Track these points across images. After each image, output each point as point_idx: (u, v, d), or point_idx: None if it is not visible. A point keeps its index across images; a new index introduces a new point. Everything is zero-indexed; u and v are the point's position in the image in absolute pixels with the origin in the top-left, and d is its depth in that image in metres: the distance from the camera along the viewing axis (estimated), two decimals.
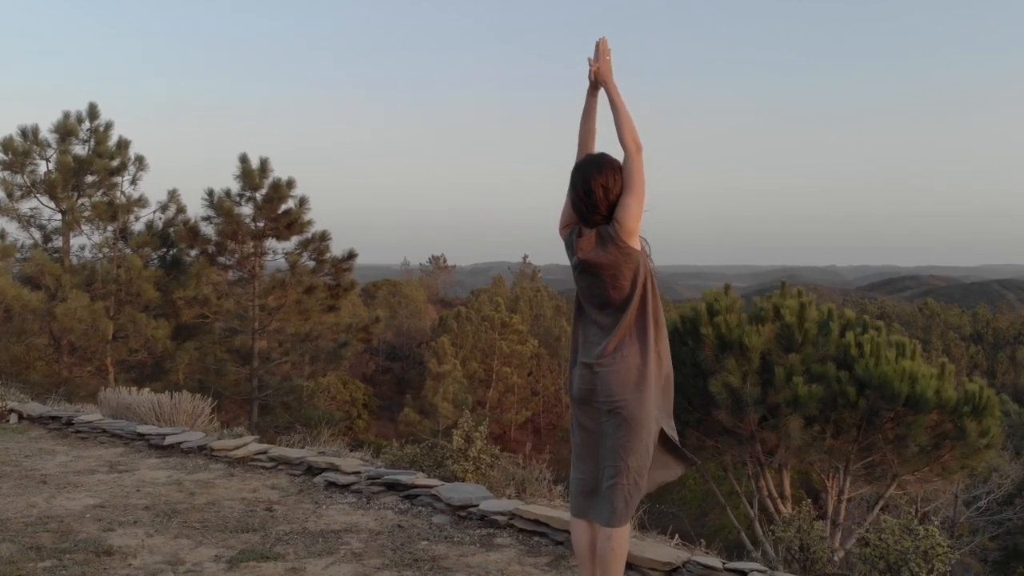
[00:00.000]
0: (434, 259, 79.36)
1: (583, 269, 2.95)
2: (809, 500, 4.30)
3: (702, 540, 5.00)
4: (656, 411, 2.94)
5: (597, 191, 2.88)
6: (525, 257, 74.86)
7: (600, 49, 2.89)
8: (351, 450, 7.61)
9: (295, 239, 16.30)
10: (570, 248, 3.02)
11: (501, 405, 38.35)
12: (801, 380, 8.97)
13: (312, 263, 16.57)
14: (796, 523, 3.80)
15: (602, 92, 2.97)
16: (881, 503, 11.26)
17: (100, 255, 16.12)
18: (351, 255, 17.01)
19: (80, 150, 16.35)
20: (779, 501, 11.00)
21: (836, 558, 11.21)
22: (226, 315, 15.60)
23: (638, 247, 2.88)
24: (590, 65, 2.91)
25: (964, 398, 9.75)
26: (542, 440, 40.87)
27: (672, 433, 3.01)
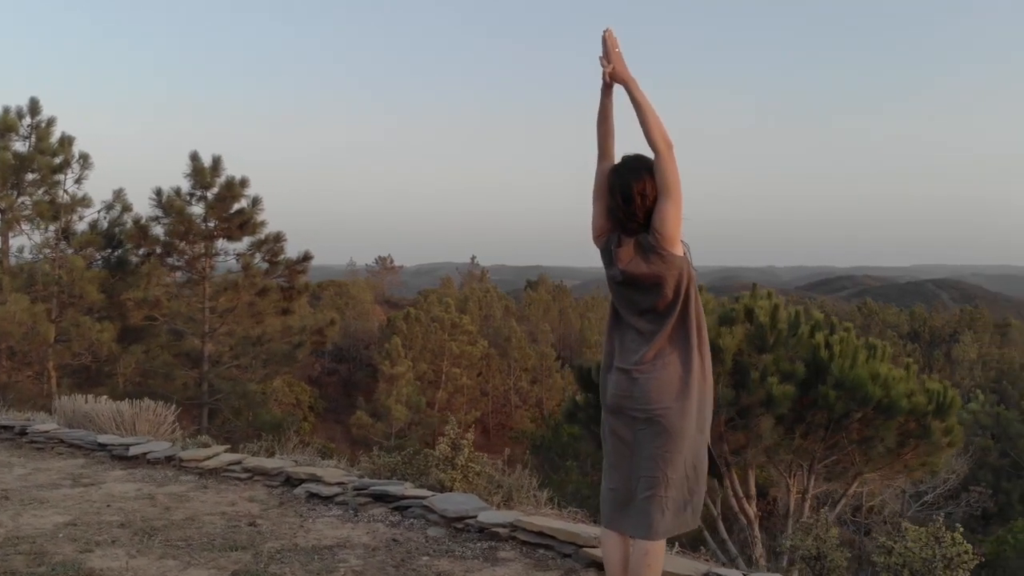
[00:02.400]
0: (381, 259, 78.51)
1: (624, 280, 2.81)
2: (826, 507, 4.23)
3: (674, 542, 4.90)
4: (697, 422, 2.82)
5: (636, 199, 2.74)
6: (473, 258, 74.62)
7: (608, 44, 2.70)
8: (322, 457, 7.36)
9: (247, 240, 15.86)
10: (607, 258, 2.87)
11: (450, 406, 38.04)
12: (776, 380, 9.00)
13: (265, 265, 16.14)
14: (814, 531, 3.72)
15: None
16: (844, 501, 11.40)
17: (41, 256, 15.45)
18: (306, 257, 16.62)
19: (21, 147, 15.65)
20: (744, 500, 11.04)
21: (799, 556, 11.32)
22: (176, 318, 15.07)
23: (680, 253, 2.75)
24: (603, 65, 2.72)
25: (929, 398, 9.91)
26: (491, 441, 40.72)
27: (708, 441, 2.89)
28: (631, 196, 2.74)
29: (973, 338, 51.97)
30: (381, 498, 5.02)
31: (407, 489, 5.01)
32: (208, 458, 5.93)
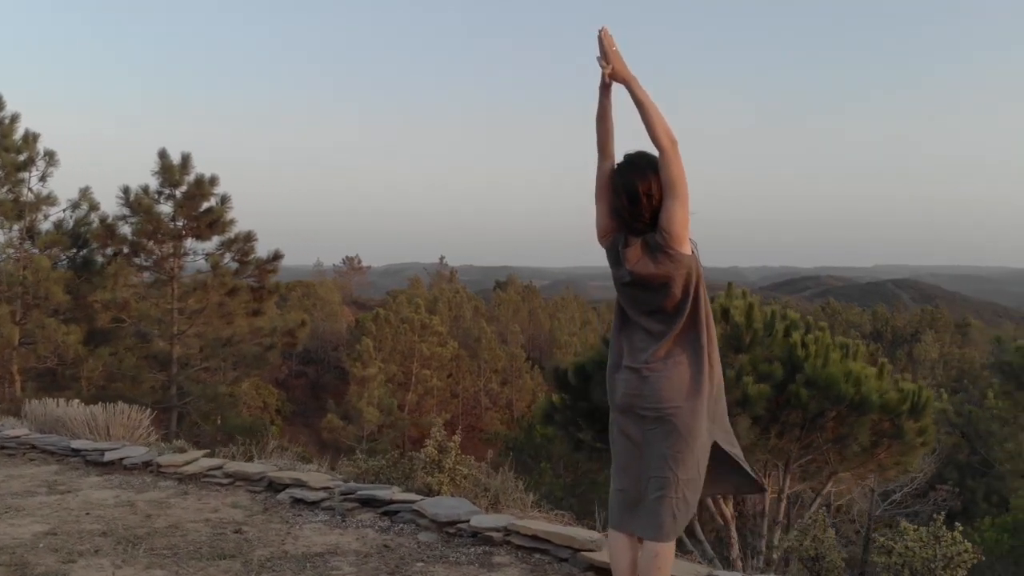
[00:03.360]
0: (348, 260, 77.91)
1: (631, 281, 2.77)
2: (823, 512, 4.22)
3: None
4: (708, 423, 2.79)
5: (643, 199, 2.70)
6: (442, 258, 74.50)
7: (605, 43, 2.65)
8: (302, 462, 7.24)
9: (217, 239, 15.58)
10: (614, 259, 2.83)
11: (420, 408, 37.89)
12: (751, 380, 9.03)
13: (235, 264, 15.87)
14: (812, 531, 3.72)
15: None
16: (819, 500, 11.49)
17: (4, 256, 15.03)
18: (276, 256, 16.37)
19: None
20: (720, 501, 11.07)
21: (775, 556, 11.39)
22: (144, 319, 14.75)
23: (688, 251, 2.71)
24: (602, 66, 2.68)
25: (902, 397, 10.01)
26: (461, 443, 40.58)
27: (730, 448, 2.85)
28: (637, 197, 2.70)
29: (934, 338, 52.90)
30: (369, 503, 4.93)
31: (395, 493, 4.93)
32: (187, 463, 5.79)
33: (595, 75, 2.73)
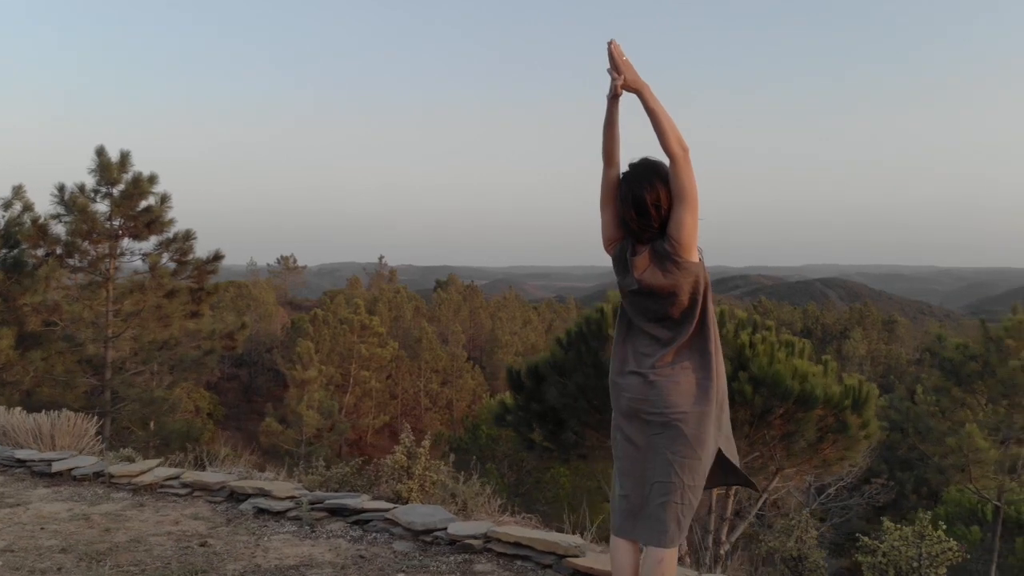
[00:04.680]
0: (283, 259, 76.51)
1: (639, 290, 2.74)
2: (806, 511, 4.26)
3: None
4: (715, 430, 2.77)
5: (651, 210, 2.68)
6: (381, 258, 73.75)
7: (615, 55, 2.63)
8: (258, 470, 7.04)
9: (154, 239, 15.06)
10: (622, 267, 2.80)
11: (358, 410, 37.45)
12: None
13: (173, 265, 15.38)
14: (795, 532, 3.74)
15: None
16: (765, 496, 11.71)
17: None
18: (216, 256, 15.91)
19: None
20: None
21: (723, 551, 11.58)
22: (77, 322, 14.18)
23: (696, 259, 2.70)
24: (613, 77, 2.65)
25: (845, 392, 10.28)
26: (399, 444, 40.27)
27: (732, 456, 2.85)
28: (645, 208, 2.68)
29: (862, 335, 54.68)
30: (338, 512, 4.81)
31: (366, 502, 4.82)
32: (142, 473, 5.57)
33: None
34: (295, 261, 77.22)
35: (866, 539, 3.37)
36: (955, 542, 3.18)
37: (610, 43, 2.63)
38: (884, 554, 3.17)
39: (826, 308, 71.95)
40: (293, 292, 74.77)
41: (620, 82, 2.63)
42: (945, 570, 3.16)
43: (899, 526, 3.42)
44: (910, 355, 51.65)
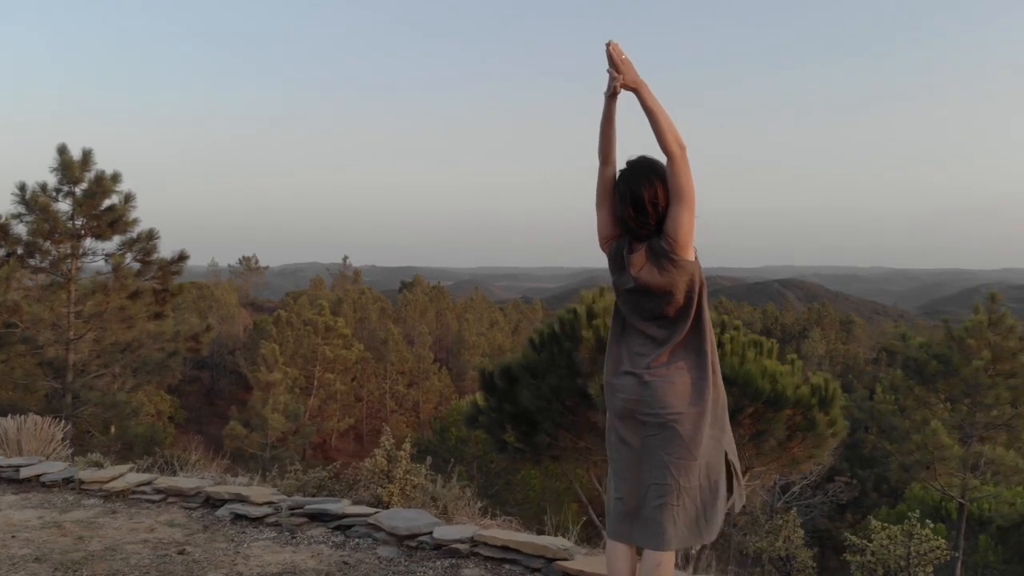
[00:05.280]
0: (245, 259, 75.61)
1: (635, 288, 2.72)
2: (794, 511, 4.28)
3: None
4: (717, 431, 2.76)
5: (648, 208, 2.67)
6: (345, 258, 73.12)
7: (614, 55, 2.62)
8: (231, 475, 6.92)
9: (117, 239, 14.71)
10: (618, 265, 2.78)
11: (322, 413, 37.08)
12: None
13: (137, 265, 15.04)
14: (783, 532, 3.76)
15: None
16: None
17: None
18: (181, 257, 15.59)
19: None
20: None
21: (693, 551, 11.63)
22: (38, 324, 13.80)
23: (692, 258, 2.69)
24: (612, 76, 2.64)
25: (812, 391, 10.38)
26: (364, 448, 39.98)
27: (734, 459, 2.83)
28: (643, 205, 2.67)
29: (821, 334, 55.49)
30: (319, 517, 4.74)
31: (346, 507, 4.75)
32: (113, 479, 5.45)
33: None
34: (257, 261, 76.38)
35: (854, 538, 3.38)
36: (943, 540, 3.21)
37: (609, 44, 2.63)
38: (873, 553, 3.19)
39: (785, 308, 72.98)
40: (255, 293, 73.95)
41: (619, 81, 2.62)
42: (932, 568, 3.19)
43: (885, 525, 3.45)
44: (867, 355, 52.60)
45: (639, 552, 2.79)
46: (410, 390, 41.27)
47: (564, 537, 4.51)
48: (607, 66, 2.63)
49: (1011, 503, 13.12)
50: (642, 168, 2.71)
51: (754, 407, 10.28)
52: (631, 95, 2.67)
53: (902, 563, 3.04)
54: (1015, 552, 13.39)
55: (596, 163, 2.80)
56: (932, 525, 3.32)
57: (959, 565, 11.28)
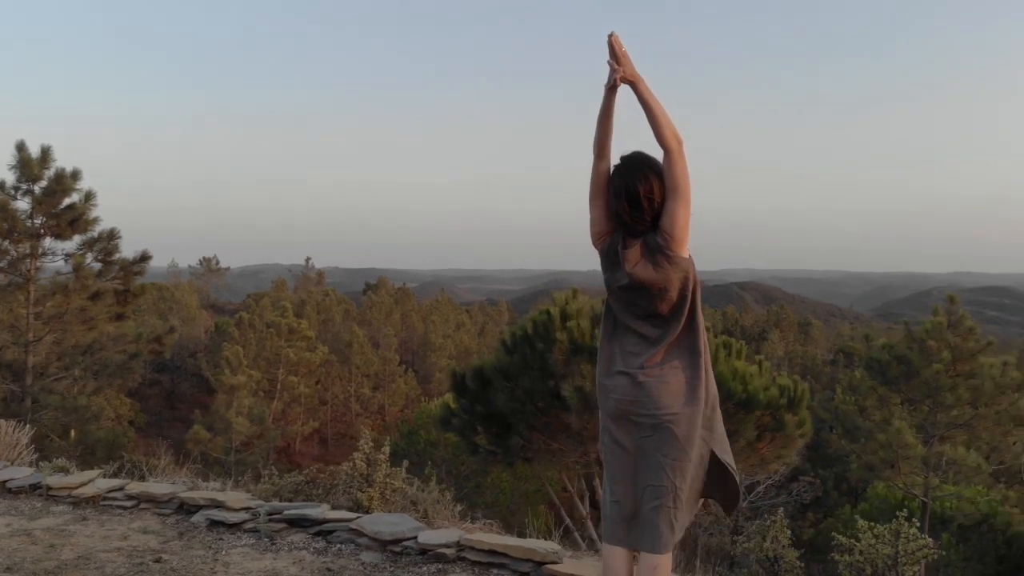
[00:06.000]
0: (205, 260, 74.51)
1: (629, 285, 2.70)
2: (781, 511, 4.29)
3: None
4: (706, 432, 2.75)
5: (644, 203, 2.65)
6: (308, 259, 72.40)
7: (615, 47, 2.61)
8: (203, 479, 6.78)
9: (78, 238, 14.37)
10: (611, 261, 2.75)
11: (286, 417, 36.62)
12: None
13: (98, 265, 14.71)
14: (771, 533, 3.77)
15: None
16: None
17: None
18: (143, 257, 15.28)
19: None
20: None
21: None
22: None
23: (687, 255, 2.68)
24: (613, 68, 2.63)
25: (780, 392, 10.48)
26: (329, 451, 39.59)
27: (726, 457, 2.82)
28: (638, 200, 2.65)
29: (780, 336, 56.23)
30: (298, 523, 4.65)
31: (327, 512, 4.67)
32: (82, 485, 5.30)
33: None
34: (218, 263, 75.32)
35: (842, 538, 3.41)
36: (930, 539, 3.25)
37: (611, 35, 2.61)
38: (861, 552, 3.22)
39: (744, 311, 73.87)
40: (216, 295, 72.93)
41: (620, 74, 2.60)
42: (919, 567, 3.23)
43: (872, 525, 3.48)
44: (824, 356, 53.43)
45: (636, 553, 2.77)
46: (376, 393, 40.95)
47: (545, 539, 4.49)
48: (607, 57, 2.62)
49: (973, 501, 13.40)
50: (637, 163, 2.70)
51: (725, 408, 10.36)
52: (628, 92, 2.67)
53: (889, 562, 3.07)
54: (975, 550, 13.67)
55: (589, 160, 2.77)
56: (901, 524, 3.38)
57: (922, 563, 11.44)
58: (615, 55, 2.60)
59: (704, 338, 2.74)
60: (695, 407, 2.67)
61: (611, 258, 2.75)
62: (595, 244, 2.82)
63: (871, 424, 13.58)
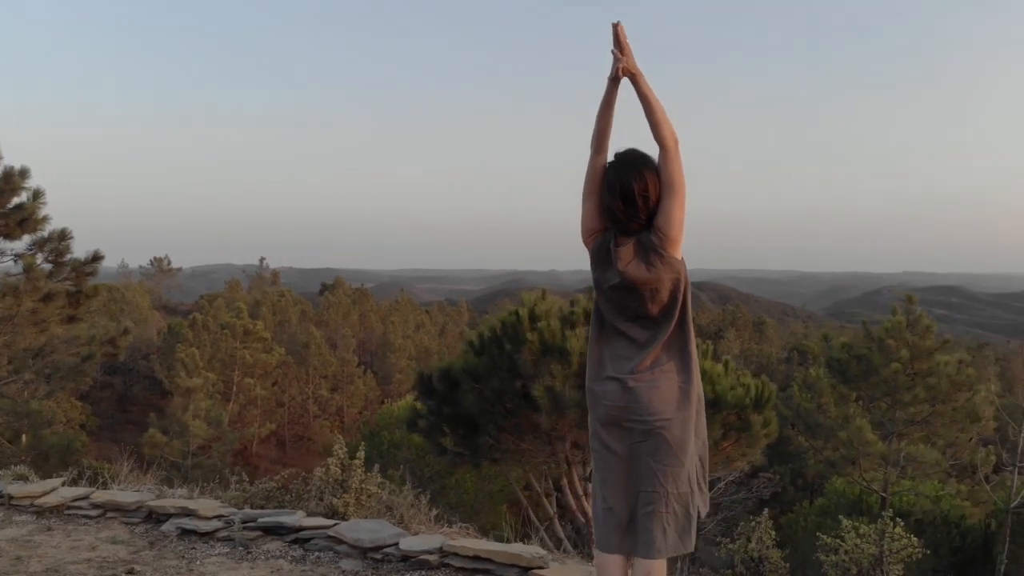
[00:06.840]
0: (156, 260, 72.99)
1: (620, 284, 2.65)
2: (766, 511, 4.30)
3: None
4: (694, 435, 2.72)
5: (638, 200, 2.61)
6: (262, 260, 71.38)
7: (621, 38, 2.57)
8: (168, 486, 6.61)
9: (27, 238, 13.91)
10: (602, 259, 2.70)
11: (242, 419, 36.03)
12: None
13: (49, 266, 14.27)
14: (756, 534, 3.78)
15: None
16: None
17: None
18: (96, 257, 14.82)
19: None
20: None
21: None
22: None
23: (680, 255, 2.65)
24: (616, 59, 2.59)
25: (746, 392, 10.58)
26: (287, 453, 39.07)
27: (703, 464, 2.80)
28: (632, 197, 2.61)
29: (736, 335, 57.00)
30: (274, 531, 4.55)
31: (303, 519, 4.57)
32: (45, 493, 5.13)
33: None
34: (169, 263, 73.86)
35: (827, 538, 3.45)
36: (916, 538, 3.30)
37: (616, 24, 2.57)
38: (847, 552, 3.25)
39: (700, 310, 74.75)
40: (168, 295, 71.54)
41: (623, 64, 2.56)
42: (903, 566, 3.27)
43: (856, 524, 3.53)
44: (779, 354, 54.30)
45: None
46: (334, 394, 40.48)
47: (524, 543, 4.45)
48: (612, 47, 2.58)
49: (929, 496, 13.71)
50: (633, 160, 2.66)
51: None
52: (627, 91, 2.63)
53: (875, 561, 3.11)
54: (930, 542, 13.95)
55: (587, 154, 2.73)
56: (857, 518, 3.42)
57: (884, 559, 11.67)
58: (619, 44, 2.56)
59: (694, 341, 2.71)
60: (687, 411, 2.64)
61: (602, 256, 2.70)
62: (585, 242, 2.76)
63: (831, 422, 13.80)
